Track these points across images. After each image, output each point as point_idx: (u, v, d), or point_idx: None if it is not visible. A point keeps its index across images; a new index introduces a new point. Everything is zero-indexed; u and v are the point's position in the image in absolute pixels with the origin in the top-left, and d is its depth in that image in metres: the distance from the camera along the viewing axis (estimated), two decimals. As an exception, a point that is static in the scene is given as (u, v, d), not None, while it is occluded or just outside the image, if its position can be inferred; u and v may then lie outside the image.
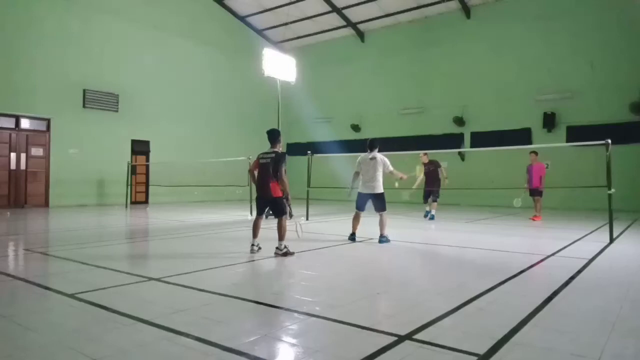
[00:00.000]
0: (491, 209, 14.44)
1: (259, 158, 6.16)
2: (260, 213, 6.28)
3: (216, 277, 4.72)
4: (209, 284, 4.27)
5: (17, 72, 14.09)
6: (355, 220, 7.36)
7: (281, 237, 5.91)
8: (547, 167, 14.73)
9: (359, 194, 7.33)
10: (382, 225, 7.13)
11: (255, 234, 6.13)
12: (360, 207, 7.34)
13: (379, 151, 7.39)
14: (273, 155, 6.01)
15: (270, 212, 6.21)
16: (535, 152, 11.36)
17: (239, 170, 14.10)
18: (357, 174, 7.42)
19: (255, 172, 6.17)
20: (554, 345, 2.77)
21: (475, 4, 17.41)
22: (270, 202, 6.08)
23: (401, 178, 7.62)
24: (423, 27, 18.76)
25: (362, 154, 7.48)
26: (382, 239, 7.07)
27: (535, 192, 11.27)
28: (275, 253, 5.89)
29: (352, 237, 7.30)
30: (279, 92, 12.31)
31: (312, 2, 18.79)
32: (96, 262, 5.39)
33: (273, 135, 6.24)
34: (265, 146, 6.27)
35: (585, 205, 13.52)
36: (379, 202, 7.17)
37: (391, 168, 7.26)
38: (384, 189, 7.21)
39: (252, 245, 6.10)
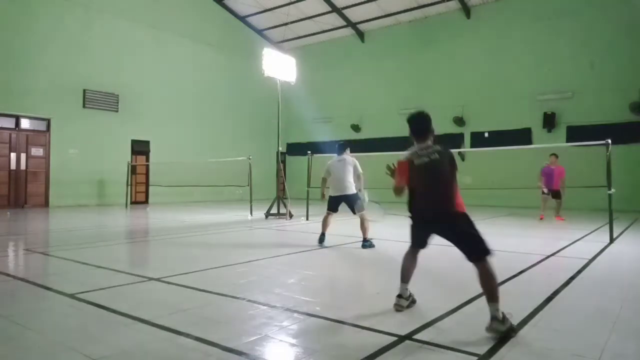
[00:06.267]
0: (491, 209, 14.44)
1: None
2: None
3: (216, 277, 4.72)
4: (209, 284, 4.27)
5: (17, 72, 14.09)
6: (326, 221, 6.95)
7: None
8: None
9: (331, 197, 6.90)
10: (363, 228, 6.63)
11: None
12: (333, 209, 6.91)
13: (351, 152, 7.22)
14: None
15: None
16: (555, 155, 11.14)
17: (239, 170, 14.12)
18: (324, 180, 7.04)
19: None
20: (554, 345, 2.77)
21: (475, 4, 17.41)
22: None
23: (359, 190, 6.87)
24: (423, 27, 18.76)
25: (331, 160, 7.14)
26: (365, 243, 6.61)
27: (556, 195, 11.08)
28: None
29: (322, 239, 6.82)
30: (279, 92, 12.31)
31: (312, 2, 18.79)
32: (96, 262, 5.39)
33: None
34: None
35: (585, 205, 13.51)
36: (354, 202, 6.67)
37: (360, 170, 6.91)
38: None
39: None
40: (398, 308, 3.44)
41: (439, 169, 3.32)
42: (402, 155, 3.53)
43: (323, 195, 7.06)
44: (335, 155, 7.21)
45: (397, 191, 3.51)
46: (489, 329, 2.89)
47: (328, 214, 6.97)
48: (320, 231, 6.93)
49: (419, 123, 3.70)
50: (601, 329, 3.08)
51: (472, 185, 14.28)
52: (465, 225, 3.24)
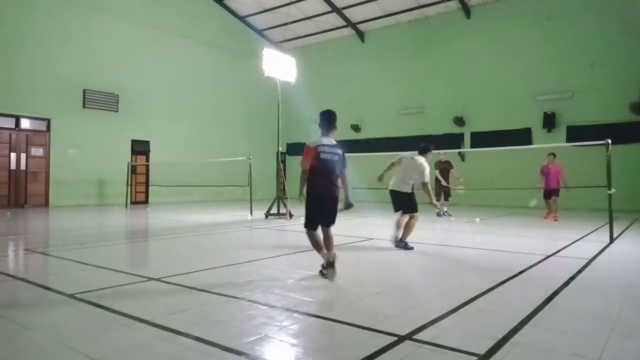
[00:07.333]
0: (491, 209, 14.44)
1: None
2: None
3: (216, 277, 4.72)
4: (209, 284, 4.27)
5: (17, 72, 14.09)
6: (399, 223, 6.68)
7: None
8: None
9: (389, 191, 6.73)
10: (406, 227, 6.51)
11: None
12: (395, 209, 6.71)
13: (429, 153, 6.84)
14: None
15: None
16: (553, 154, 11.30)
17: (239, 170, 14.12)
18: (392, 164, 6.82)
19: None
20: (554, 345, 2.77)
21: (475, 4, 17.41)
22: None
23: (430, 202, 6.67)
24: (423, 27, 18.75)
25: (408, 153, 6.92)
26: (400, 244, 6.48)
27: (552, 193, 11.17)
28: None
29: (405, 245, 6.58)
30: (279, 92, 12.30)
31: (312, 2, 18.78)
32: (96, 262, 5.39)
33: None
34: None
35: (585, 205, 13.51)
36: (403, 202, 6.58)
37: (426, 179, 6.45)
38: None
39: None
40: (332, 274, 4.49)
41: (335, 166, 4.68)
42: (313, 141, 4.69)
43: (381, 176, 6.77)
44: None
45: (305, 173, 4.60)
46: (327, 266, 4.49)
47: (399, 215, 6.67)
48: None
49: (330, 118, 4.87)
50: (601, 329, 3.08)
51: (471, 185, 14.29)
52: (335, 206, 4.71)
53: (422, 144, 7.00)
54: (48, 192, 14.86)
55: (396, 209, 6.73)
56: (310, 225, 4.68)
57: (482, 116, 17.08)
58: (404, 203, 6.60)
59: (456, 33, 17.80)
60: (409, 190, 6.58)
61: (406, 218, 6.60)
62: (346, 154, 4.86)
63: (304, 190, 4.67)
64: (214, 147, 18.68)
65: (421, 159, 6.59)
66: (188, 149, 18.23)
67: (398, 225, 6.65)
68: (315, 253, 4.85)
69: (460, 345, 2.71)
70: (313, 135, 5.05)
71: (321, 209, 4.66)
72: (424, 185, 6.47)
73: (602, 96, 14.71)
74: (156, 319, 3.18)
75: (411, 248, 6.43)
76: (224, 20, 20.51)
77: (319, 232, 4.71)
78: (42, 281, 4.48)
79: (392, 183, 6.72)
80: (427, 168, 6.51)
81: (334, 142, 4.77)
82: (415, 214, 6.56)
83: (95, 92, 15.73)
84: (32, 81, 14.36)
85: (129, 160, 16.49)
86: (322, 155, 4.60)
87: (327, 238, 4.71)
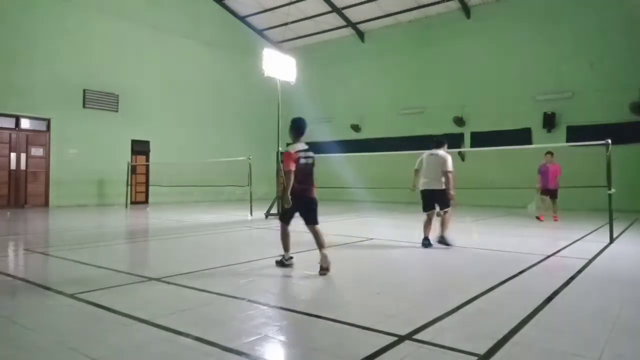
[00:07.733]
0: (491, 209, 14.44)
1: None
2: None
3: (216, 277, 4.72)
4: (209, 284, 4.27)
5: (17, 72, 14.09)
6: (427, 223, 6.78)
7: None
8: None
9: (421, 191, 6.82)
10: (444, 223, 6.62)
11: None
12: (426, 207, 6.80)
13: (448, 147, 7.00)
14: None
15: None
16: (551, 153, 11.15)
17: (239, 170, 14.11)
18: (416, 171, 6.96)
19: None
20: (554, 345, 2.77)
21: (475, 4, 17.41)
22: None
23: (448, 191, 6.65)
24: (423, 27, 18.76)
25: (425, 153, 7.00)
26: (441, 239, 6.62)
27: (551, 194, 11.00)
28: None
29: (427, 243, 6.71)
30: (279, 92, 12.30)
31: (312, 2, 18.78)
32: (96, 262, 5.39)
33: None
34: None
35: (585, 205, 13.51)
36: (441, 198, 6.64)
37: (449, 168, 6.54)
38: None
39: None
40: (290, 264, 5.10)
41: (312, 169, 5.11)
42: (292, 147, 5.00)
43: (414, 186, 6.99)
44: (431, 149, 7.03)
45: (291, 174, 4.85)
46: (322, 266, 4.72)
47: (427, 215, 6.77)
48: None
49: (303, 125, 5.19)
50: (601, 329, 3.08)
51: (471, 185, 14.29)
52: (315, 206, 5.08)
53: (435, 137, 7.18)
54: (48, 192, 14.86)
55: (428, 208, 6.80)
56: (285, 219, 5.13)
57: (482, 116, 17.08)
58: (440, 199, 6.70)
59: (456, 33, 17.80)
60: (444, 187, 6.65)
61: (439, 215, 6.72)
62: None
63: (289, 192, 4.86)
64: (214, 147, 18.68)
65: (442, 152, 6.76)
66: (188, 149, 18.23)
67: (429, 225, 6.78)
68: (315, 253, 4.85)
69: (460, 345, 2.71)
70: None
71: (302, 211, 5.03)
72: (447, 172, 6.55)
73: (602, 96, 14.71)
74: (156, 319, 3.18)
75: (449, 244, 6.60)
76: (224, 20, 20.51)
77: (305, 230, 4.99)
78: (42, 281, 4.47)
79: (424, 183, 6.80)
80: (450, 158, 6.68)
81: (307, 147, 5.11)
82: (449, 209, 6.73)
83: (95, 92, 15.73)
84: (32, 81, 14.36)
85: (129, 160, 16.50)
86: (302, 160, 4.95)
87: (317, 236, 4.96)
